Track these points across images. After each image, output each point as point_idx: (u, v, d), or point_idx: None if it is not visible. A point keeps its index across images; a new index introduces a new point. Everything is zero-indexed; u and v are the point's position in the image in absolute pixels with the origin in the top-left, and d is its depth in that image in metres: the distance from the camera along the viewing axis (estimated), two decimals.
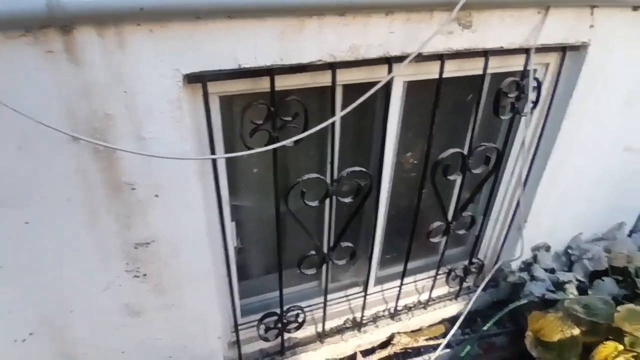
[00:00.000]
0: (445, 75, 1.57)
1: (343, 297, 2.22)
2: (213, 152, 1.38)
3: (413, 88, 1.67)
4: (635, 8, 1.74)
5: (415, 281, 2.33)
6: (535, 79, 1.73)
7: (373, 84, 1.34)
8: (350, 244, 1.79)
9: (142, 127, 1.23)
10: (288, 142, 1.28)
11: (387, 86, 1.54)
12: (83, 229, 1.32)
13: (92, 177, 1.25)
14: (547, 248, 2.37)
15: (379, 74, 1.47)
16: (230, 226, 1.68)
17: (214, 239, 1.60)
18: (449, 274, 2.21)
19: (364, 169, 1.58)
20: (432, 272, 2.22)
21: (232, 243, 1.73)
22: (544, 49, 1.64)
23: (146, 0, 1.02)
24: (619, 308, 1.94)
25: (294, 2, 1.14)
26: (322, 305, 1.96)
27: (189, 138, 1.31)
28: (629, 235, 2.91)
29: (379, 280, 2.25)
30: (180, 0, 1.04)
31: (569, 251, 2.44)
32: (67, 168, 1.21)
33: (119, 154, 1.25)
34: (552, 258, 2.41)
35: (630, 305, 1.97)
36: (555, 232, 2.34)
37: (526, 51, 1.59)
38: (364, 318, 2.16)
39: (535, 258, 2.34)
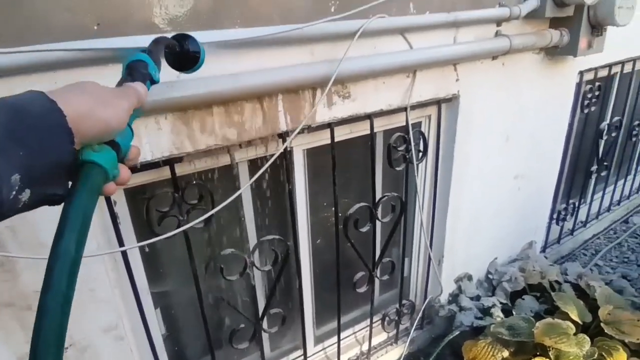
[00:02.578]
0: (340, 138, 1.73)
1: None
2: (121, 244, 1.40)
3: (314, 154, 1.81)
4: (494, 57, 2.03)
5: (354, 332, 2.37)
6: (419, 131, 1.94)
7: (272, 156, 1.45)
8: (280, 310, 1.83)
9: (45, 235, 1.23)
10: (190, 225, 1.32)
11: (289, 156, 1.66)
12: None
13: None
14: (469, 277, 2.53)
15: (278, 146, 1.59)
16: (154, 315, 1.67)
17: (137, 331, 1.57)
18: (383, 319, 2.29)
19: (276, 237, 1.66)
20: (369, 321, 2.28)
21: (158, 332, 1.70)
22: (420, 105, 1.86)
23: None
24: (537, 324, 2.09)
25: (177, 101, 1.24)
26: None
27: (96, 236, 1.33)
28: (543, 251, 3.19)
29: (319, 339, 2.27)
30: None
31: (490, 276, 2.62)
32: None
33: (22, 264, 1.24)
34: (476, 285, 2.58)
35: (548, 320, 2.12)
36: (473, 261, 2.52)
37: (405, 109, 1.80)
38: None
39: (460, 288, 2.49)
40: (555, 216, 3.17)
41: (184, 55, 0.98)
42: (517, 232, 2.73)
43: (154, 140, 1.29)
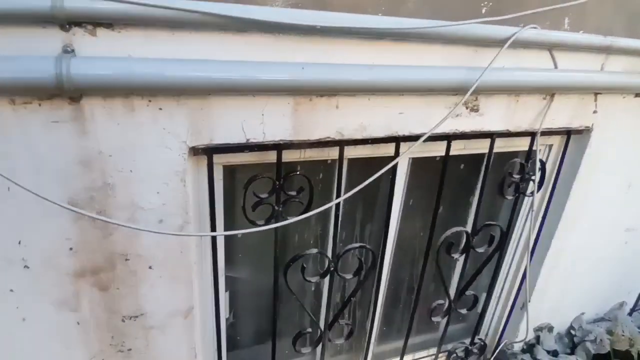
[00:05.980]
0: (452, 153, 1.57)
1: None
2: (213, 224, 1.33)
3: (418, 164, 1.66)
4: (637, 94, 1.78)
5: (414, 359, 2.21)
6: (540, 160, 1.73)
7: (378, 158, 1.33)
8: (348, 322, 1.71)
9: (142, 198, 1.18)
10: (289, 222, 1.22)
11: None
12: (71, 298, 1.24)
13: (86, 246, 1.19)
14: (550, 329, 2.28)
15: (385, 150, 1.46)
16: (224, 298, 1.60)
17: (206, 311, 1.51)
18: (449, 354, 2.11)
19: (367, 246, 1.53)
20: (432, 350, 2.11)
21: (224, 315, 1.64)
22: (547, 132, 1.65)
23: (157, 78, 1.02)
24: None
25: (305, 83, 1.14)
26: None
27: (190, 210, 1.26)
28: (630, 314, 2.84)
29: (377, 357, 2.13)
30: (190, 79, 1.03)
31: (572, 332, 2.35)
32: (60, 235, 1.15)
33: (114, 225, 1.20)
34: (555, 339, 2.32)
35: None
36: (558, 312, 2.26)
37: (531, 134, 1.60)
38: None
39: (538, 339, 2.25)
40: None
41: None
42: (611, 290, 2.43)
43: (270, 121, 1.20)
